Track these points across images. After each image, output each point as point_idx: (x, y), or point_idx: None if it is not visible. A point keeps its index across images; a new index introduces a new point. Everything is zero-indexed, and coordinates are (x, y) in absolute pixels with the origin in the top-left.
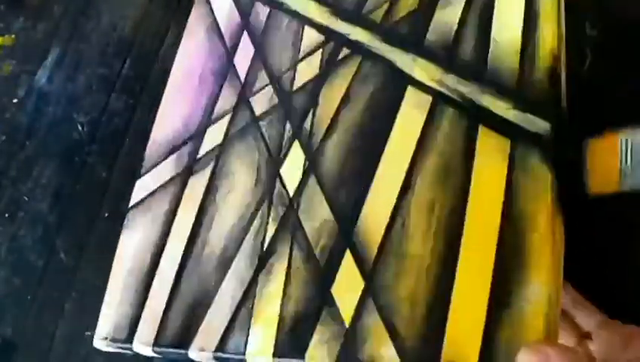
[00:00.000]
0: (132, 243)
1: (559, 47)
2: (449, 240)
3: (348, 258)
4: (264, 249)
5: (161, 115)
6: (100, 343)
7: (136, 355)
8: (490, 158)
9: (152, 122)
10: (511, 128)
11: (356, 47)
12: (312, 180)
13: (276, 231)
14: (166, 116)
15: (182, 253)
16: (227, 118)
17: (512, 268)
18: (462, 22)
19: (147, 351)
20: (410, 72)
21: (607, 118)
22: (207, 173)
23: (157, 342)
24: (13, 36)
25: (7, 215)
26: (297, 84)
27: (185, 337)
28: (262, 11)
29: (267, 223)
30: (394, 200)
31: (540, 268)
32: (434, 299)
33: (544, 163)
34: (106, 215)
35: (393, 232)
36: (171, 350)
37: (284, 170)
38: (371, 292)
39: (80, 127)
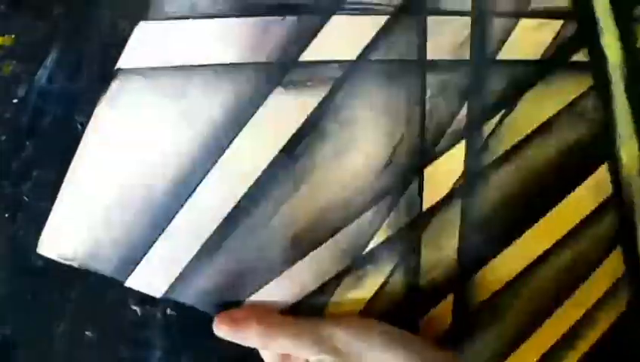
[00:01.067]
0: (126, 124)
1: None
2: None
3: (448, 301)
4: (363, 252)
5: None
6: (48, 252)
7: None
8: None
9: None
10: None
11: None
12: (455, 208)
13: (387, 239)
14: None
15: (239, 198)
16: (365, 40)
17: None
18: None
19: (153, 293)
20: None
21: None
22: (318, 91)
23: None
24: (13, 36)
25: (7, 215)
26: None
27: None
28: None
29: (379, 225)
30: (511, 278)
31: None
32: None
33: None
34: None
35: (499, 304)
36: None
37: (429, 173)
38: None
39: (80, 127)
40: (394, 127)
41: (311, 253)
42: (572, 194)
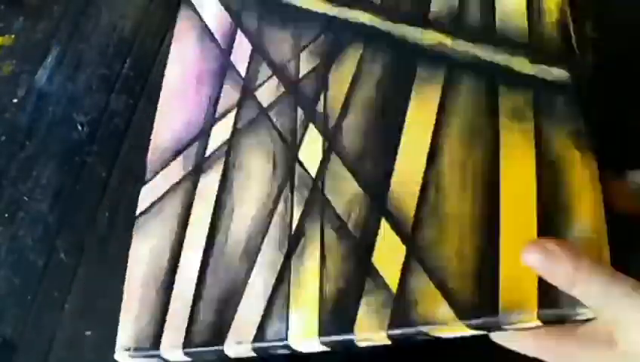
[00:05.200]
0: (145, 251)
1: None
2: (487, 193)
3: (384, 226)
4: (292, 232)
5: (160, 121)
6: (122, 355)
7: None
8: (516, 111)
9: (152, 122)
10: (531, 81)
11: (359, 28)
12: (333, 158)
13: (303, 213)
14: (165, 122)
15: (203, 248)
16: (232, 114)
17: (556, 209)
18: None
19: (177, 355)
20: (420, 43)
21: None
22: (218, 169)
23: (187, 343)
24: (13, 36)
25: (7, 215)
26: (303, 71)
27: (217, 334)
28: (255, 11)
29: (292, 207)
30: (424, 165)
31: (583, 205)
32: (482, 250)
33: (570, 106)
34: (106, 215)
35: (428, 195)
36: (204, 349)
37: (302, 154)
38: (415, 254)
39: (80, 127)
40: (266, 147)
41: (258, 256)
42: (413, 88)
